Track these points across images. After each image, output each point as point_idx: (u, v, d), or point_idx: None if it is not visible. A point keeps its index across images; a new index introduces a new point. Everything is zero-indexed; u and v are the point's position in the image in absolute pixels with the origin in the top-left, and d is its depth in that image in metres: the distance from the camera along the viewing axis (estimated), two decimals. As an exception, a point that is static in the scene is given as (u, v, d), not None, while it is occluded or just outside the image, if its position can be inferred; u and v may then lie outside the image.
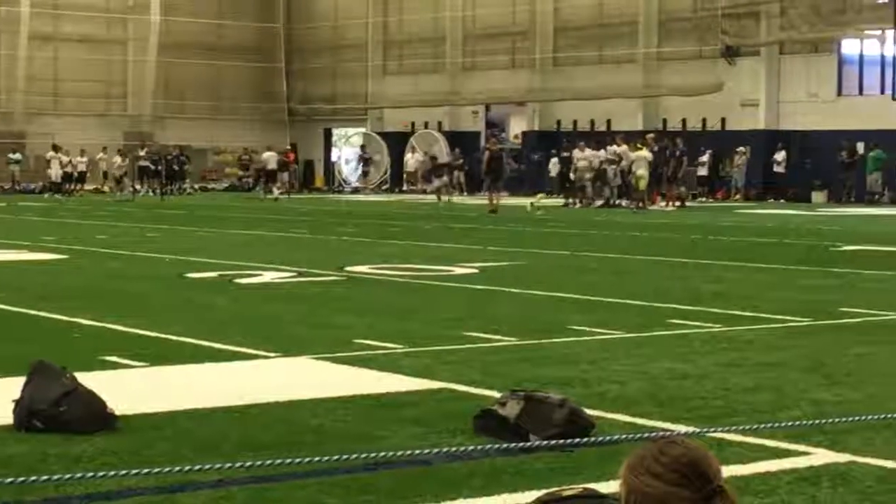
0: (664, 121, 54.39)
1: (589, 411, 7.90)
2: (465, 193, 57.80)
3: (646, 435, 7.11)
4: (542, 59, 59.40)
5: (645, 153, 42.90)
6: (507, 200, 42.85)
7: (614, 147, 45.46)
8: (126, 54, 68.40)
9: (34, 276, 18.39)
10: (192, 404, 8.50)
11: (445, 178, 51.92)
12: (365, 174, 64.92)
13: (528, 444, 7.17)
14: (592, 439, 7.28)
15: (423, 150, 61.24)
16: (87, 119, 65.29)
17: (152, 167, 57.17)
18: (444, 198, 48.53)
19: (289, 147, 64.65)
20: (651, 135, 45.95)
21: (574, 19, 58.68)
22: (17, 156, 59.71)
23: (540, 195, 45.11)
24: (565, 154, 48.93)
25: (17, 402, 7.77)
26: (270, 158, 55.46)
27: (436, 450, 7.05)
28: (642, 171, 42.48)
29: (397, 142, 62.83)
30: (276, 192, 53.41)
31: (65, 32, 66.32)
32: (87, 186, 58.26)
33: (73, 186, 56.89)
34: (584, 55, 58.05)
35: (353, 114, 67.76)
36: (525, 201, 42.96)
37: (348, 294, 16.12)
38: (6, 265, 20.50)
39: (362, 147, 65.57)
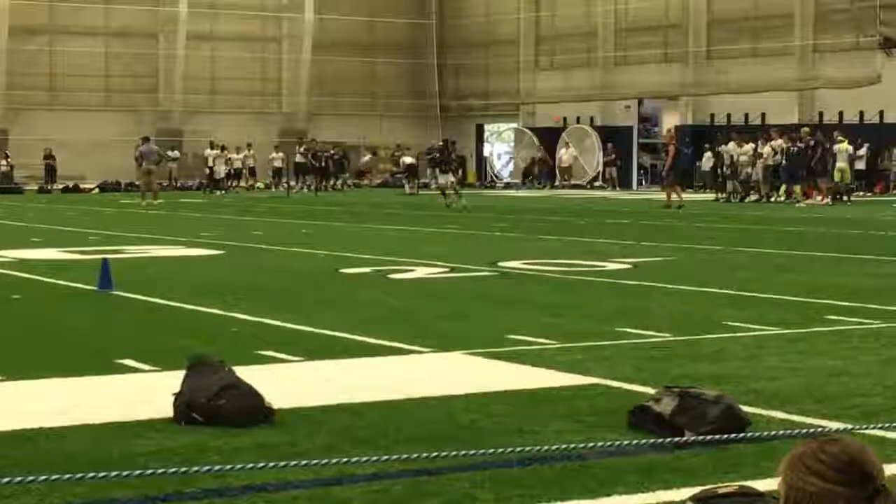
0: (820, 114, 53.57)
1: (744, 408, 7.81)
2: (618, 189, 57.61)
3: (804, 432, 7.02)
4: (696, 53, 58.90)
5: (846, 146, 42.59)
6: (657, 195, 42.51)
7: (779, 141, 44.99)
8: (281, 52, 69.31)
9: (192, 272, 18.71)
10: (347, 398, 8.57)
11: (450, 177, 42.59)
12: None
13: (684, 440, 7.11)
14: (749, 436, 7.22)
15: (576, 145, 61.18)
16: (243, 117, 66.28)
17: (313, 163, 57.85)
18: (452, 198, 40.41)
19: (441, 143, 64.85)
20: (806, 128, 45.30)
21: (728, 12, 58.09)
22: (175, 153, 60.81)
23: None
24: (718, 148, 48.43)
25: (178, 396, 7.91)
26: (407, 155, 57.30)
27: (590, 445, 7.03)
28: (843, 164, 42.19)
29: (549, 137, 62.74)
30: (408, 188, 54.19)
31: (221, 32, 67.42)
32: (241, 183, 59.21)
33: (230, 183, 57.84)
34: (738, 48, 57.45)
35: (505, 109, 67.82)
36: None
37: (501, 289, 16.14)
38: (165, 261, 20.90)
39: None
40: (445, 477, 6.45)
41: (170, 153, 58.98)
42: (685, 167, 48.80)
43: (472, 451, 6.09)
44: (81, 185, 58.24)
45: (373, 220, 32.79)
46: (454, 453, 6.03)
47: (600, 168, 60.73)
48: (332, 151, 59.99)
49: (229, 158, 58.15)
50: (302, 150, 58.50)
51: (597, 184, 60.05)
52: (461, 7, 71.29)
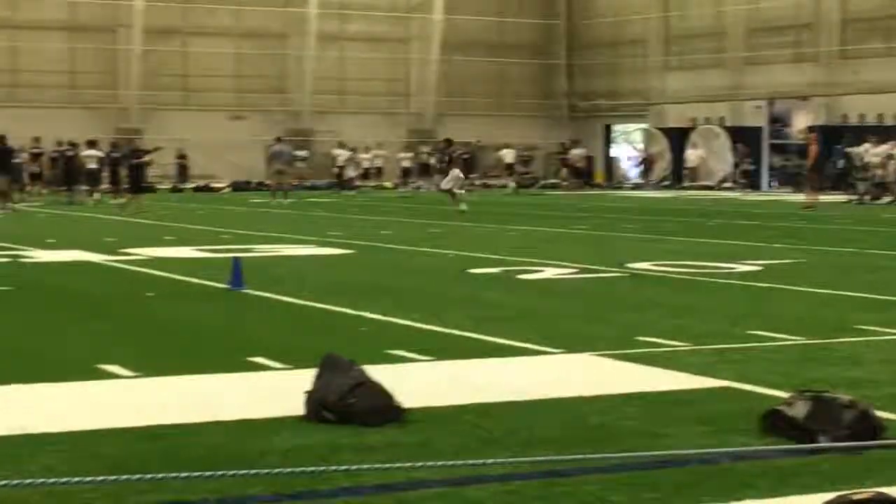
0: (957, 114, 52.60)
1: (879, 413, 7.70)
2: (748, 190, 57.02)
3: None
4: (828, 52, 58.10)
5: None
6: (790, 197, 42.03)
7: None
8: (409, 53, 69.56)
9: (322, 271, 18.86)
10: (477, 398, 8.59)
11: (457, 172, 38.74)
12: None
13: (817, 445, 7.04)
14: (884, 442, 7.11)
15: (704, 145, 60.75)
16: (371, 117, 66.61)
17: (440, 163, 58.17)
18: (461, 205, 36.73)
19: (567, 143, 64.88)
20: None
21: (862, 10, 57.20)
22: (304, 153, 61.31)
23: None
24: (848, 149, 47.76)
25: (309, 394, 7.99)
26: (507, 154, 57.63)
27: (722, 449, 6.98)
28: None
29: (678, 138, 62.31)
30: (511, 184, 54.71)
31: (350, 32, 67.82)
32: (370, 183, 59.64)
33: (358, 183, 58.27)
34: (872, 47, 56.56)
35: (634, 109, 67.47)
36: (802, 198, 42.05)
37: (630, 290, 16.08)
38: (296, 259, 21.09)
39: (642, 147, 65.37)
40: (577, 479, 6.44)
41: (298, 153, 59.48)
42: (838, 169, 48.33)
43: (603, 454, 6.09)
44: (213, 185, 58.97)
45: (500, 219, 32.79)
46: (587, 455, 6.02)
47: (729, 169, 60.18)
48: (459, 151, 60.14)
49: (355, 158, 58.56)
50: (429, 150, 58.84)
51: (726, 185, 59.52)
52: (590, 7, 71.02)
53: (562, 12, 71.94)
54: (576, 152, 60.35)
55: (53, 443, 7.27)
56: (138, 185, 38.78)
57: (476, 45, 69.35)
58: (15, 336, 12.04)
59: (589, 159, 67.32)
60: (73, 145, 47.13)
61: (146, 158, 39.81)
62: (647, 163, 63.70)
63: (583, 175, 60.52)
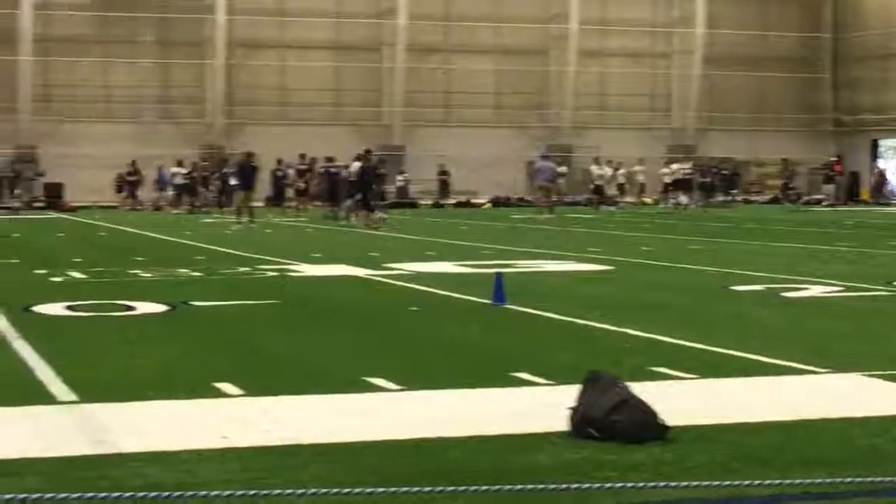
0: None
1: None
2: None
3: None
4: None
5: None
6: None
7: None
8: (670, 67, 69.14)
9: (583, 287, 18.86)
10: (742, 418, 8.49)
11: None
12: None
13: None
14: None
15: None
16: (631, 132, 66.46)
17: (699, 179, 57.77)
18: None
19: (835, 158, 63.58)
20: None
21: None
22: (563, 168, 61.42)
23: None
24: None
25: (573, 410, 8.01)
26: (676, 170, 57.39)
27: None
28: None
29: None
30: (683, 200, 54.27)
31: (611, 47, 67.81)
32: (628, 199, 59.43)
33: (618, 198, 58.11)
34: None
35: (902, 124, 65.83)
36: None
37: (899, 310, 15.67)
38: (556, 275, 21.13)
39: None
40: (847, 502, 6.31)
41: (560, 169, 59.65)
42: None
43: (875, 478, 5.94)
44: (473, 200, 59.55)
45: (761, 236, 32.31)
46: (856, 479, 5.89)
47: None
48: (717, 167, 59.53)
49: (616, 174, 58.47)
50: (683, 165, 58.42)
51: None
52: (857, 19, 69.48)
53: (827, 25, 70.55)
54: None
55: (323, 453, 7.45)
56: (368, 200, 39.71)
57: (738, 59, 68.54)
58: (283, 348, 12.36)
59: (854, 175, 65.94)
60: (360, 160, 47.46)
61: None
62: (879, 179, 62.00)
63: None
